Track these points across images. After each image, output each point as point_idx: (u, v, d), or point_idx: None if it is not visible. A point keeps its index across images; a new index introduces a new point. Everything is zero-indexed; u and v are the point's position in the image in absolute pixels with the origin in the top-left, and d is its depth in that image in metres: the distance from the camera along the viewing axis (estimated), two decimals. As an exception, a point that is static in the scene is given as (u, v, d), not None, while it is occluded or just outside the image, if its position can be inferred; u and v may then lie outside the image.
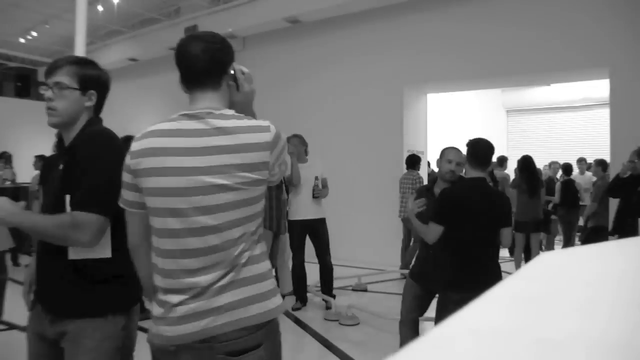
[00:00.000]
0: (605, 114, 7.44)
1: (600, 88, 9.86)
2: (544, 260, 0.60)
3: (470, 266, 2.82)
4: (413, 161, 6.69)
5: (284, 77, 9.15)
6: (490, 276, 2.88)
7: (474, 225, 2.79)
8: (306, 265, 7.41)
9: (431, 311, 3.33)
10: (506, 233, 2.95)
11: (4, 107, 12.90)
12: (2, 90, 14.92)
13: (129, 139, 2.76)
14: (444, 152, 3.22)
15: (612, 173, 6.22)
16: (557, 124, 12.70)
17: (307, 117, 8.73)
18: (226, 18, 9.18)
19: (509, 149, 12.73)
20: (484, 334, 0.37)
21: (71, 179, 1.59)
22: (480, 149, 2.91)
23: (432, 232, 2.79)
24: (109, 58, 11.89)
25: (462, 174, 3.18)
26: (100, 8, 9.71)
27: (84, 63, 1.78)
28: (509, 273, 6.67)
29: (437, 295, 3.26)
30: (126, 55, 11.59)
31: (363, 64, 8.12)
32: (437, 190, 3.17)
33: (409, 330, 3.30)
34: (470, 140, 3.01)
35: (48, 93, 1.64)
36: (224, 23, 9.18)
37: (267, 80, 9.39)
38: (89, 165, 1.58)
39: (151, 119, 12.76)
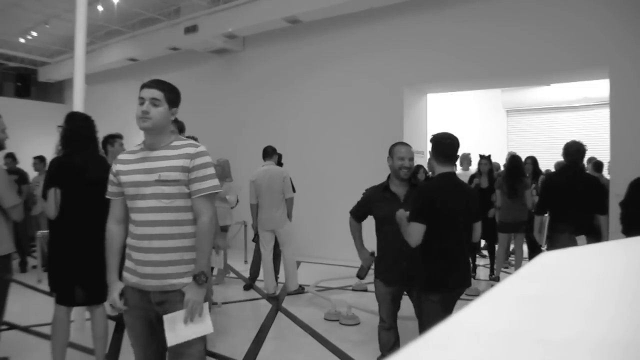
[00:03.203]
0: (605, 114, 7.43)
1: (600, 88, 9.85)
2: (544, 260, 0.61)
3: (448, 265, 2.74)
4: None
5: (284, 76, 9.15)
6: (464, 273, 2.86)
7: (450, 223, 2.71)
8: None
9: (406, 309, 3.33)
10: (477, 227, 2.91)
11: (4, 107, 12.85)
12: (2, 90, 14.90)
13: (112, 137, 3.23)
14: (393, 149, 3.13)
15: (612, 172, 6.22)
16: (557, 124, 12.69)
17: (307, 116, 8.73)
18: (226, 18, 9.18)
19: (509, 149, 12.71)
20: (484, 334, 0.37)
21: None
22: (444, 145, 2.78)
23: (415, 232, 2.63)
24: (109, 58, 11.88)
25: (427, 172, 3.17)
26: (100, 8, 9.70)
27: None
28: (509, 273, 6.65)
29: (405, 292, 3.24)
30: (126, 55, 11.58)
31: (363, 64, 8.12)
32: (393, 188, 3.14)
33: (392, 334, 3.30)
34: (434, 136, 2.85)
35: None
36: (224, 23, 9.18)
37: (266, 80, 9.39)
38: None
39: (151, 119, 12.43)
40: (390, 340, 3.27)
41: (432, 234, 2.65)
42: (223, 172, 6.14)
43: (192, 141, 2.16)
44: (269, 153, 5.80)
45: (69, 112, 3.36)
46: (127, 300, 2.14)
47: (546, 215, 4.30)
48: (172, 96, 2.15)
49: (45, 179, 3.15)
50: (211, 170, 2.11)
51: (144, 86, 2.16)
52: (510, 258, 7.09)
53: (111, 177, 2.20)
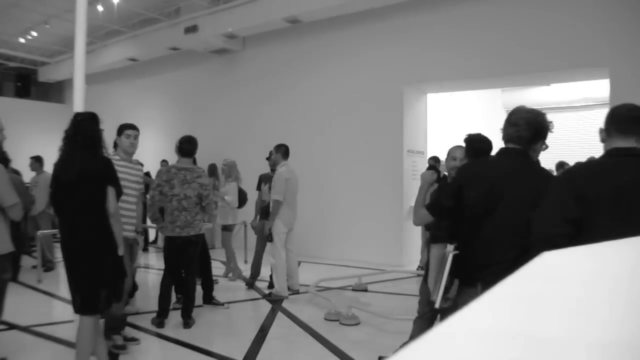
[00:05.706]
0: (605, 114, 7.43)
1: (600, 88, 9.84)
2: (544, 260, 0.61)
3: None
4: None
5: (284, 77, 9.15)
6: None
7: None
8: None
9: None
10: None
11: (4, 107, 12.90)
12: (2, 90, 14.90)
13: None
14: (450, 150, 3.31)
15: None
16: (557, 124, 12.61)
17: (307, 117, 8.73)
18: (226, 18, 9.18)
19: (509, 149, 12.72)
20: (484, 334, 0.37)
21: None
22: (476, 148, 2.98)
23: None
24: (109, 58, 11.88)
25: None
26: (100, 8, 9.70)
27: None
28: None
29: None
30: (126, 55, 11.58)
31: (363, 64, 8.12)
32: None
33: (423, 325, 3.30)
34: (469, 137, 3.04)
35: None
36: (224, 23, 9.18)
37: (266, 80, 9.39)
38: None
39: (151, 119, 12.76)
40: None
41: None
42: (229, 171, 6.40)
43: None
44: (287, 153, 5.76)
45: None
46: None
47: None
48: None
49: None
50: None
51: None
52: None
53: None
